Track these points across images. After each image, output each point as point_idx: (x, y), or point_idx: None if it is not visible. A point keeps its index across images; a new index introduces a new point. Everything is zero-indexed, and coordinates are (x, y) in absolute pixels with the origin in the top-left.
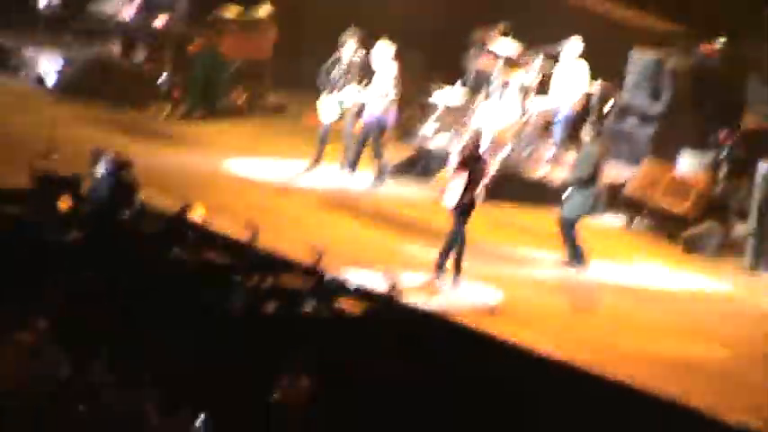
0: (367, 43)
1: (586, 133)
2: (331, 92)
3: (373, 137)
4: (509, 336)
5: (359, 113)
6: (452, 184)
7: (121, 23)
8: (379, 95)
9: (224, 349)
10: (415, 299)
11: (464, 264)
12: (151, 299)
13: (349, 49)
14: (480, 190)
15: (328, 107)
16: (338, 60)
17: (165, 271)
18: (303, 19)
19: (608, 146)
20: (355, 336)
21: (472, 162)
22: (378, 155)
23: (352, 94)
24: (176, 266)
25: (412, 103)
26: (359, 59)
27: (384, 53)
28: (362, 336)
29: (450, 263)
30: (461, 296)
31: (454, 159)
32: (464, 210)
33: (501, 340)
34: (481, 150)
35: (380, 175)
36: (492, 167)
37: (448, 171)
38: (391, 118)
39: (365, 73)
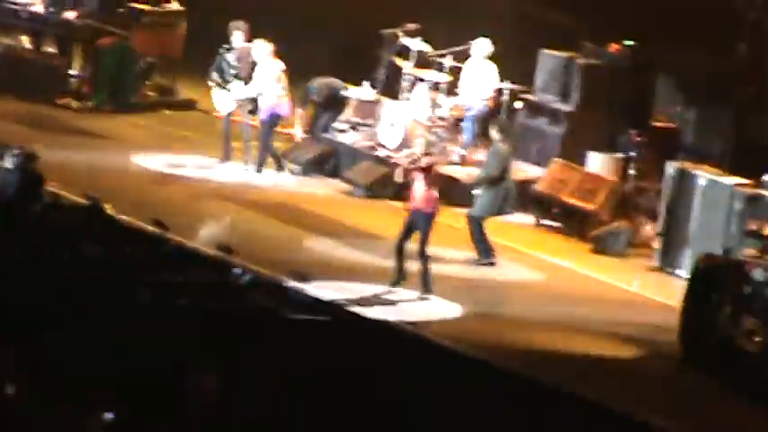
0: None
1: (494, 131)
2: (222, 84)
3: (264, 131)
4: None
5: (250, 108)
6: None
7: (32, 15)
8: (266, 92)
9: (133, 346)
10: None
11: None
12: (62, 293)
13: (237, 39)
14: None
15: (222, 99)
16: (226, 52)
17: (75, 265)
18: (216, 13)
19: (516, 144)
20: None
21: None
22: (267, 148)
23: (242, 89)
24: (87, 261)
25: (322, 100)
26: (247, 51)
27: (262, 51)
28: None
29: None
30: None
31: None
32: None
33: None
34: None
35: (260, 166)
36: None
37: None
38: (283, 111)
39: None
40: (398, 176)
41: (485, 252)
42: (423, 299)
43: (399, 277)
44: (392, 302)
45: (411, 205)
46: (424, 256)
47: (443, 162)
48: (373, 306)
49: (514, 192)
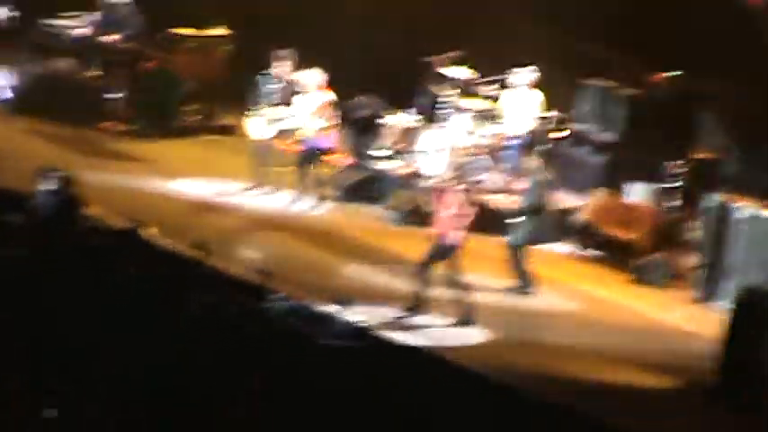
0: (301, 67)
1: (533, 160)
2: (261, 112)
3: (309, 162)
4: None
5: (291, 136)
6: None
7: (75, 39)
8: (311, 121)
9: (172, 365)
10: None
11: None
12: (100, 313)
13: (283, 69)
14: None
15: (258, 126)
16: (268, 80)
17: (114, 286)
18: (258, 39)
19: (556, 173)
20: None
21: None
22: (314, 180)
23: (284, 117)
24: (126, 281)
25: (364, 127)
26: (290, 81)
27: (313, 81)
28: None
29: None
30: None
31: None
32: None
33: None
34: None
35: (317, 199)
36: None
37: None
38: (328, 143)
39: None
40: (425, 203)
41: (524, 281)
42: (461, 325)
43: (417, 302)
44: (424, 328)
45: (437, 231)
46: (458, 284)
47: (476, 189)
48: (410, 332)
49: (553, 221)
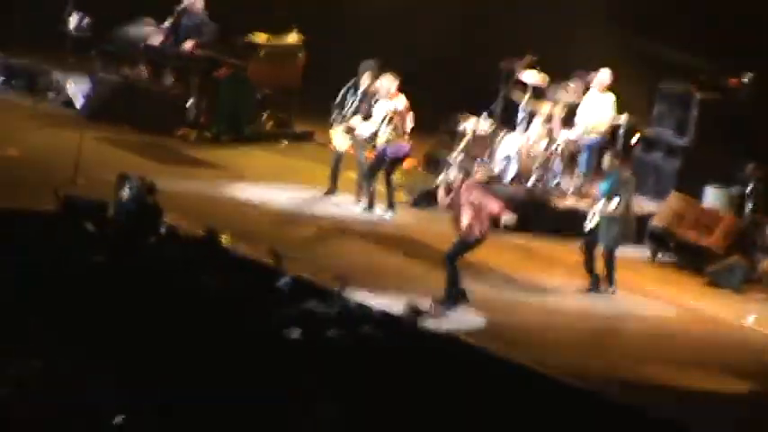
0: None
1: (611, 159)
2: (344, 121)
3: (384, 169)
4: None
5: (369, 144)
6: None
7: (149, 47)
8: (381, 130)
9: (248, 375)
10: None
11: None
12: (181, 325)
13: (365, 79)
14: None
15: (340, 136)
16: (352, 89)
17: (193, 297)
18: (335, 45)
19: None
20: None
21: (473, 199)
22: (388, 185)
23: (363, 125)
24: (206, 293)
25: (438, 132)
26: (374, 91)
27: (385, 87)
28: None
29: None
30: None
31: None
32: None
33: (522, 366)
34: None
35: (391, 205)
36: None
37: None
38: (395, 153)
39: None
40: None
41: (612, 280)
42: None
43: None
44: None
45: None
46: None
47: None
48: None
49: (634, 223)
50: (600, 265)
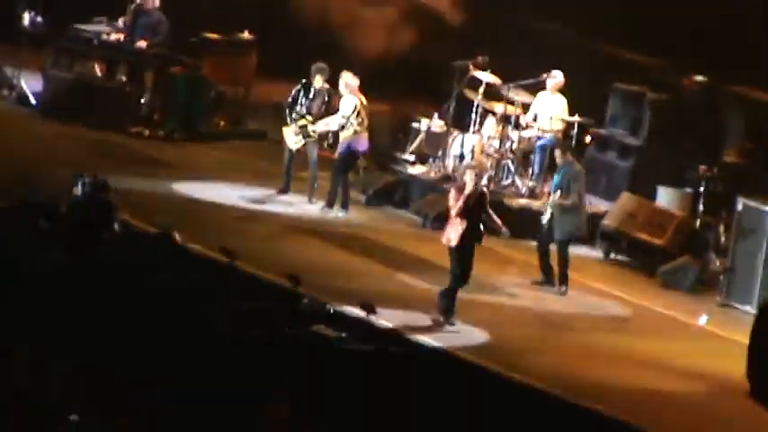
0: (334, 75)
1: (560, 153)
2: (295, 120)
3: (341, 166)
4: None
5: (323, 143)
6: (454, 226)
7: (104, 44)
8: (344, 126)
9: (206, 375)
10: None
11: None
12: (139, 322)
13: (317, 80)
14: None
15: (293, 134)
16: (304, 89)
17: (151, 294)
18: (286, 43)
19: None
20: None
21: (476, 207)
22: (344, 184)
23: (331, 118)
24: (163, 290)
25: (391, 131)
26: (324, 91)
27: (348, 85)
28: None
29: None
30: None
31: (454, 202)
32: (468, 249)
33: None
34: (482, 189)
35: (345, 205)
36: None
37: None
38: (360, 147)
39: (329, 104)
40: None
41: (549, 277)
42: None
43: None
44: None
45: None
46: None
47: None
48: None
49: (586, 215)
50: (555, 262)
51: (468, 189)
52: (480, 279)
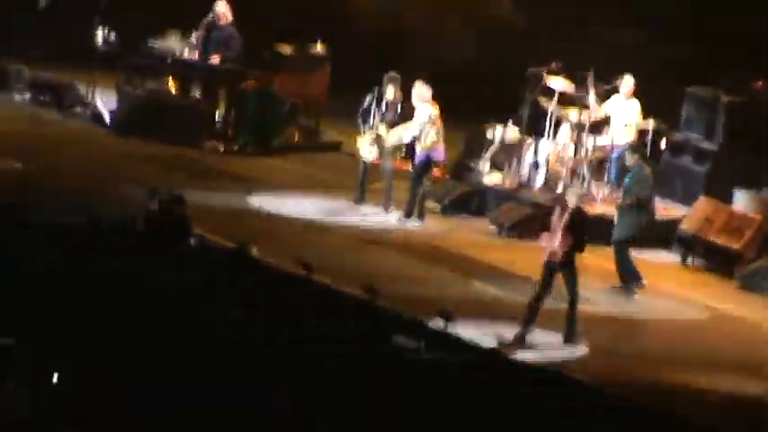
0: (406, 85)
1: (631, 157)
2: (369, 131)
3: (417, 176)
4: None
5: (398, 153)
6: (556, 243)
7: (177, 61)
8: (420, 136)
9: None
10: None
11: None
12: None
13: (389, 91)
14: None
15: (367, 145)
16: (376, 100)
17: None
18: (359, 56)
19: (660, 183)
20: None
21: (578, 224)
22: (421, 194)
23: (390, 135)
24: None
25: (466, 140)
26: (397, 101)
27: (421, 95)
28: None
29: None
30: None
31: (557, 222)
32: (572, 264)
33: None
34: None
35: (421, 214)
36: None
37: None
38: (438, 156)
39: (402, 114)
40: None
41: (633, 277)
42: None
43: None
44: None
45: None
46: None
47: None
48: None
49: (652, 218)
50: (630, 259)
51: (572, 206)
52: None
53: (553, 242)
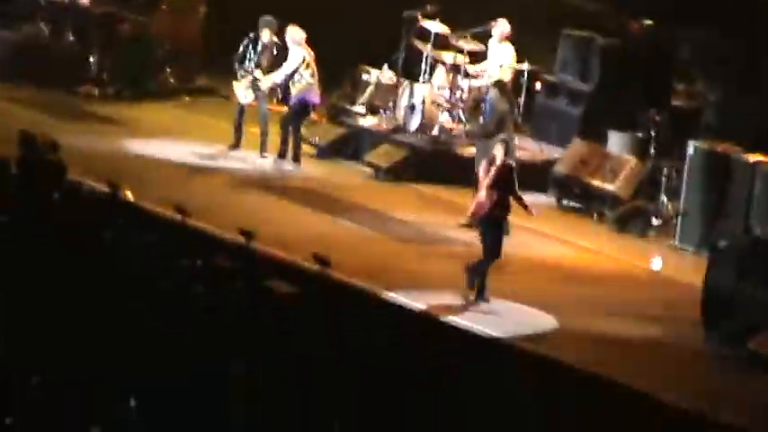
0: (282, 29)
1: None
2: (245, 75)
3: (293, 119)
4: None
5: (273, 96)
6: (481, 199)
7: (49, 4)
8: (294, 79)
9: (153, 332)
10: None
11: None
12: (84, 281)
13: (265, 35)
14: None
15: (243, 89)
16: (252, 44)
17: (97, 253)
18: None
19: (513, 101)
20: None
21: (503, 180)
22: (297, 138)
23: (265, 78)
24: (109, 249)
25: (341, 83)
26: (273, 45)
27: (295, 37)
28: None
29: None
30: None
31: (483, 178)
32: (495, 222)
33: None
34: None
35: (297, 158)
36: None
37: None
38: (313, 99)
39: (278, 57)
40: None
41: None
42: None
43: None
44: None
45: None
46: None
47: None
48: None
49: (514, 146)
50: None
51: (498, 161)
52: (426, 226)
53: (478, 197)
